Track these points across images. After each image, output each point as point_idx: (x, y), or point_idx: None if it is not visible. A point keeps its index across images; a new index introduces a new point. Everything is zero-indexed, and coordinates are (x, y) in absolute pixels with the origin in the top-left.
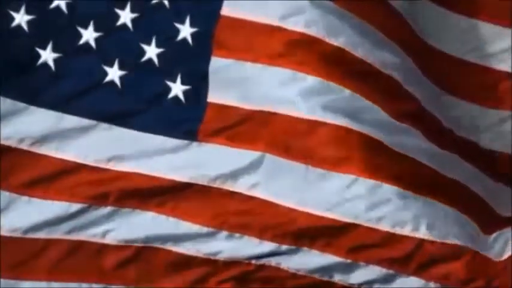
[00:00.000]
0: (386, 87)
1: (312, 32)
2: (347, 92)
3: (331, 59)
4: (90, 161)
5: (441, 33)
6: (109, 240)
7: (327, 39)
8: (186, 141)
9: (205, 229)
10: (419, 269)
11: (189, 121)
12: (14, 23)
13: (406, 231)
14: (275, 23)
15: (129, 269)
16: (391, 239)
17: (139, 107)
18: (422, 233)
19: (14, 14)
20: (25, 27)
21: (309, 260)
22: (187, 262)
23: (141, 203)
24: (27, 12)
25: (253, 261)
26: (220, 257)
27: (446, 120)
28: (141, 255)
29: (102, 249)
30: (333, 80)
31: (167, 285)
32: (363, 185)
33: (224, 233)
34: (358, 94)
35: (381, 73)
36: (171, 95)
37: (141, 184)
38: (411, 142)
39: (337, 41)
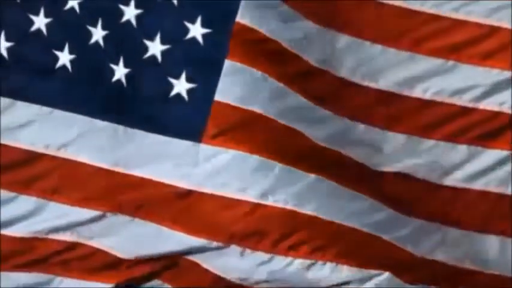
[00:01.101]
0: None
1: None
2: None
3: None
4: (107, 165)
5: None
6: (122, 254)
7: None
8: (190, 143)
9: (214, 243)
10: None
11: (192, 120)
12: (34, 27)
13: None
14: (284, 43)
15: (143, 268)
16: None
17: (144, 105)
18: None
19: (33, 18)
20: (44, 30)
21: (321, 275)
22: (201, 271)
23: (150, 214)
24: (46, 15)
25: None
26: (232, 277)
27: None
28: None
29: (116, 260)
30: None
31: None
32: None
33: (235, 248)
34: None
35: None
36: (173, 93)
37: (151, 192)
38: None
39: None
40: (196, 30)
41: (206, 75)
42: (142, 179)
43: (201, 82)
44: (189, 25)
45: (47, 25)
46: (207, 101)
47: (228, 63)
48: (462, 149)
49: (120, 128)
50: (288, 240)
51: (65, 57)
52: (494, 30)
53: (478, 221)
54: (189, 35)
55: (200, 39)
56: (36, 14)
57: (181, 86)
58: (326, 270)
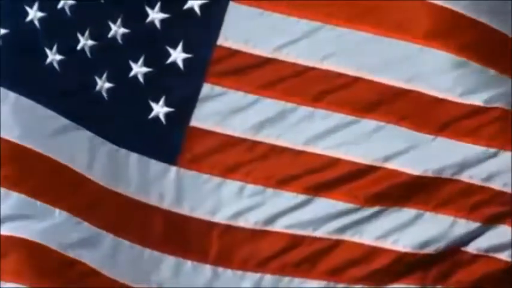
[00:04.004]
0: None
1: (305, 61)
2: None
3: (322, 86)
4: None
5: None
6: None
7: (318, 65)
8: (165, 165)
9: (189, 263)
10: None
11: (169, 144)
12: (28, 18)
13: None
14: (269, 54)
15: None
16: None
17: (122, 122)
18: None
19: (28, 9)
20: (37, 23)
21: None
22: None
23: (128, 234)
24: (40, 9)
25: None
26: None
27: None
28: None
29: (91, 273)
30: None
31: None
32: None
33: (208, 267)
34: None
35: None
36: (151, 115)
37: (129, 209)
38: None
39: (324, 65)
40: (178, 55)
41: (184, 99)
42: (125, 196)
43: (179, 107)
44: (170, 50)
45: (40, 19)
46: (183, 125)
47: (205, 87)
48: None
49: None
50: (255, 259)
51: (53, 56)
52: None
53: None
54: (170, 60)
55: (181, 64)
56: (30, 6)
57: (160, 109)
58: None
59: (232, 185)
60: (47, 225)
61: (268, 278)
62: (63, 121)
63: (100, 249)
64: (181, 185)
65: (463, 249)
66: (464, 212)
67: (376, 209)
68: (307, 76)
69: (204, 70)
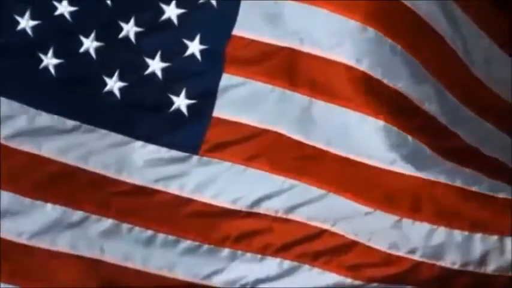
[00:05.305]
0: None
1: (325, 53)
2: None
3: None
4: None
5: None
6: (106, 258)
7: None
8: (187, 154)
9: (205, 246)
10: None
11: (191, 134)
12: (20, 27)
13: (401, 252)
14: (285, 44)
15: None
16: (388, 259)
17: (139, 118)
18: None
19: (19, 19)
20: (29, 31)
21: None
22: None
23: (140, 220)
24: (32, 18)
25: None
26: (217, 281)
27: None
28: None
29: (98, 263)
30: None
31: None
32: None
33: (226, 250)
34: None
35: (419, 108)
36: (172, 108)
37: (140, 200)
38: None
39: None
40: (195, 47)
41: (205, 90)
42: (137, 186)
43: (201, 98)
44: (188, 42)
45: (33, 28)
46: (206, 116)
47: (224, 77)
48: None
49: (114, 135)
50: (275, 245)
51: (49, 60)
52: None
53: None
54: (188, 52)
55: (198, 55)
56: (21, 15)
57: (181, 102)
58: None
59: (253, 174)
60: (40, 222)
61: (287, 263)
62: (60, 119)
63: (102, 237)
64: (202, 173)
65: (482, 270)
66: (480, 227)
67: (393, 217)
68: (322, 68)
69: (222, 61)
